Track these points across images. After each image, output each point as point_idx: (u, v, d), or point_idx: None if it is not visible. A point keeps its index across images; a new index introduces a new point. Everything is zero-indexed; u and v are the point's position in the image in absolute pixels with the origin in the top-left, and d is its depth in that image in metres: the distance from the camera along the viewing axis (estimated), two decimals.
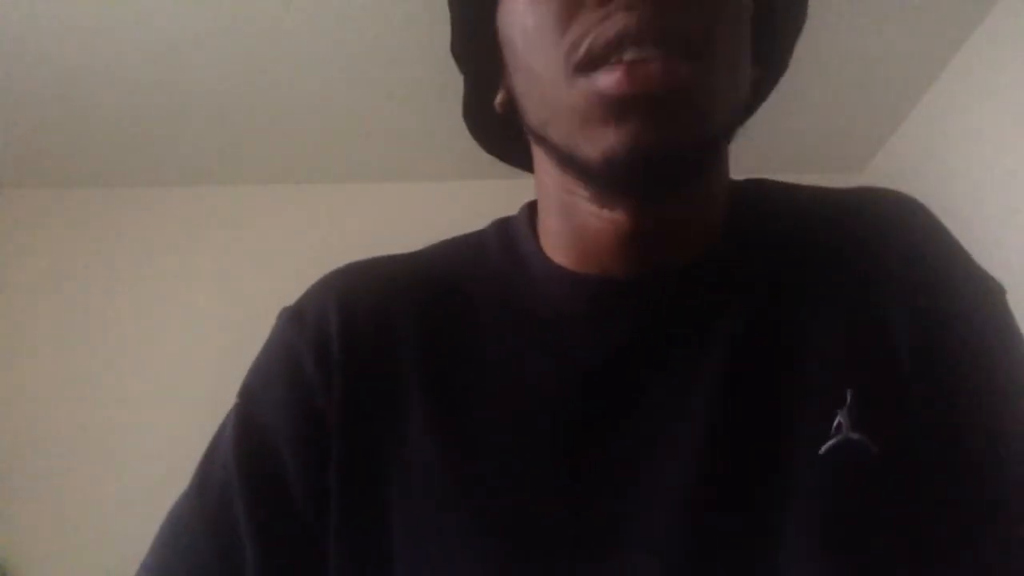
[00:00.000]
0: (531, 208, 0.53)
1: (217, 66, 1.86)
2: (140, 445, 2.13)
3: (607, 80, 0.39)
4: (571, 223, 0.47)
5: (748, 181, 0.52)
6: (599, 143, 0.40)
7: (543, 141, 0.45)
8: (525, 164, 0.56)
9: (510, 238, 0.52)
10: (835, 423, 0.42)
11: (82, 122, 2.04)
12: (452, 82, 0.53)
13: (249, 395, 0.49)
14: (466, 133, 0.56)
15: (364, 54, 1.84)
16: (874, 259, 0.47)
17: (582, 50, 0.39)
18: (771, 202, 0.50)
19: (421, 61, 1.83)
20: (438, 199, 2.32)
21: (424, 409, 0.46)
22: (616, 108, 0.39)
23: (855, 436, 0.42)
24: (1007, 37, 1.69)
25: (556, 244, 0.49)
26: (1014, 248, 1.57)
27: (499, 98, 0.50)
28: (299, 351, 0.48)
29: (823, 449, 0.42)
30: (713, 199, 0.48)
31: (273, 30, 1.75)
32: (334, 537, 0.45)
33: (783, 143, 2.03)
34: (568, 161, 0.43)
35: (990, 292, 0.47)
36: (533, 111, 0.44)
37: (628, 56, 0.38)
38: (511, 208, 0.56)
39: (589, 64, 0.39)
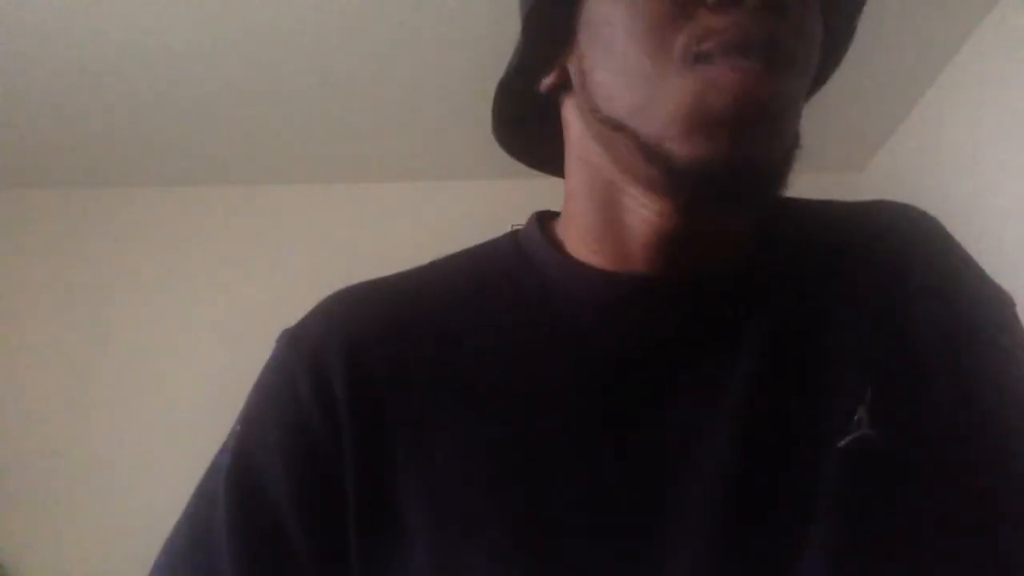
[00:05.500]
0: (539, 218, 0.53)
1: (217, 66, 1.86)
2: (139, 446, 2.13)
3: (728, 76, 0.39)
4: (611, 220, 0.47)
5: None
6: (702, 144, 0.40)
7: (620, 129, 0.44)
8: (540, 160, 0.56)
9: (528, 244, 0.52)
10: (855, 419, 0.43)
11: (82, 122, 2.04)
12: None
13: (247, 425, 0.48)
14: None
15: (365, 54, 1.84)
16: (896, 266, 0.49)
17: (704, 45, 0.40)
18: (795, 213, 0.52)
19: (424, 62, 1.83)
20: (440, 199, 2.33)
21: (449, 427, 0.45)
22: (731, 109, 0.39)
23: (872, 431, 0.43)
24: (1007, 37, 1.69)
25: (586, 242, 0.49)
26: (1013, 247, 1.57)
27: (550, 79, 0.49)
28: (298, 380, 0.47)
29: (842, 442, 0.43)
30: None
31: (273, 30, 1.75)
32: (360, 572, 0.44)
33: None
34: (651, 154, 0.42)
35: (1003, 303, 0.49)
36: (620, 97, 0.43)
37: (747, 63, 0.39)
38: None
39: (707, 57, 0.40)
